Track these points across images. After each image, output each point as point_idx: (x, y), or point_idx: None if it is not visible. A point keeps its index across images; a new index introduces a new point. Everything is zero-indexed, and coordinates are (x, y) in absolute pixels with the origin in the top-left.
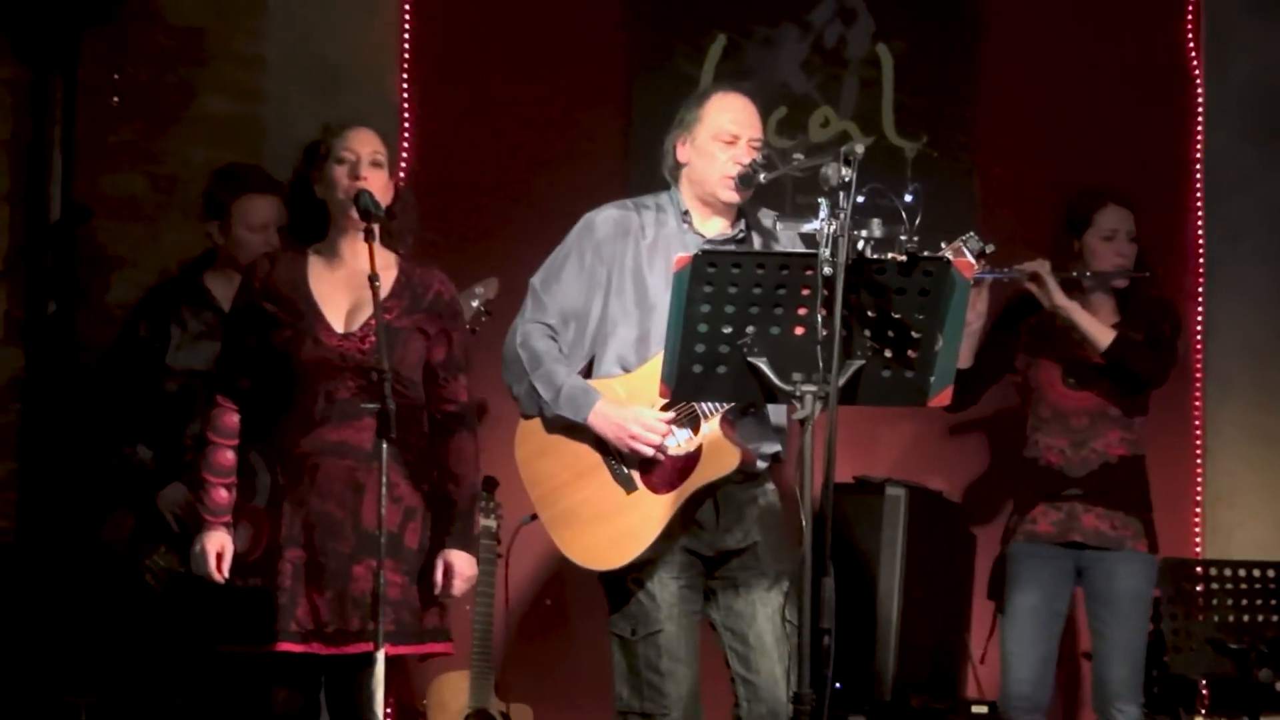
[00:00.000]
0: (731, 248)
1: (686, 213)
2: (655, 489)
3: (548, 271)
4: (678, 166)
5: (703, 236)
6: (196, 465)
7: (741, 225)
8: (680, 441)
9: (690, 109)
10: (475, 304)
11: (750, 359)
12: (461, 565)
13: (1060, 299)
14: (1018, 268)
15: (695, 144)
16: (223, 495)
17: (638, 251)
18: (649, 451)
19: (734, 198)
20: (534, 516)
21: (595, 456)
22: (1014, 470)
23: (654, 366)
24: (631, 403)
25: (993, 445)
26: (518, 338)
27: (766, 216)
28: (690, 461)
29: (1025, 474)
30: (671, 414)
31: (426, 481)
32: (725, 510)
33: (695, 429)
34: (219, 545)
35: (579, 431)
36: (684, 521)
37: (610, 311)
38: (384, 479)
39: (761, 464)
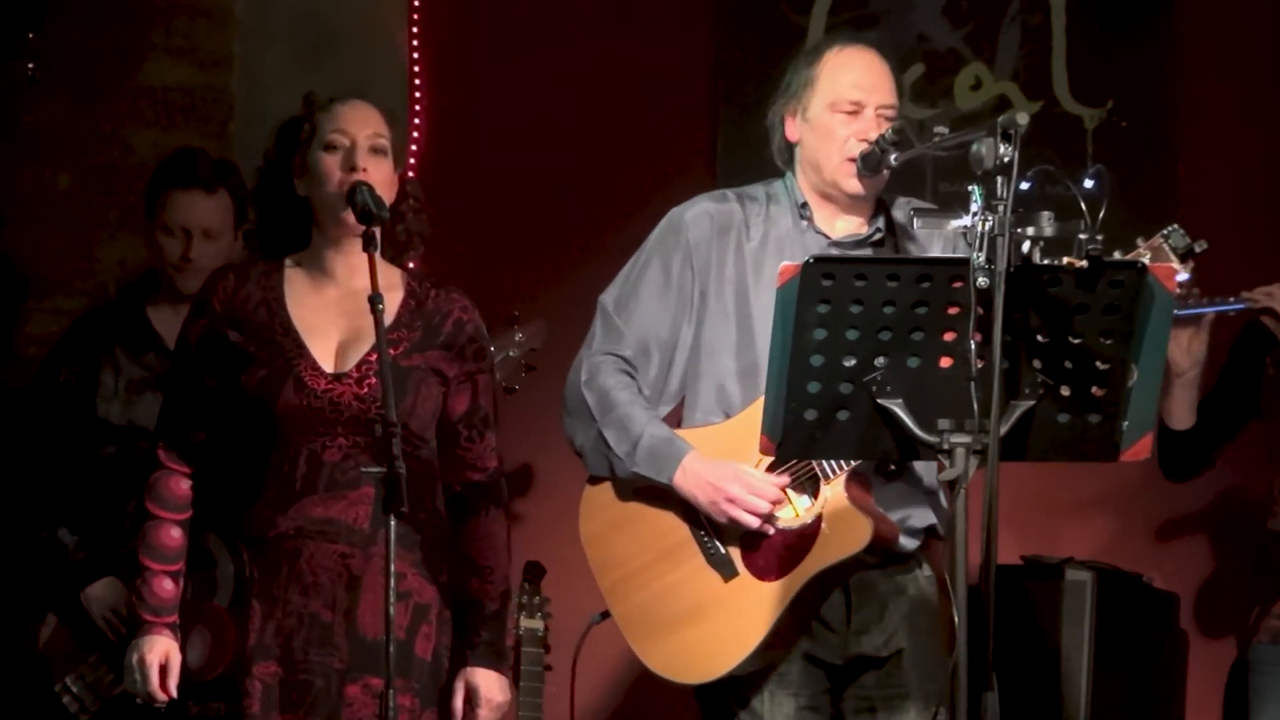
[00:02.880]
0: (861, 253)
1: (804, 205)
2: (761, 575)
3: (623, 287)
4: (789, 147)
5: (827, 237)
6: (133, 549)
7: (880, 223)
8: (796, 510)
9: (799, 71)
10: (513, 353)
11: (881, 401)
12: (490, 688)
13: None
14: (1246, 296)
15: (808, 117)
16: (168, 588)
17: (740, 258)
18: (753, 522)
19: (858, 188)
20: (605, 615)
21: (684, 531)
22: (1251, 547)
23: (760, 410)
24: (732, 459)
25: (1216, 514)
26: (583, 374)
27: (901, 209)
28: (807, 537)
29: (1272, 552)
30: (784, 473)
31: (443, 571)
32: (860, 604)
33: (814, 494)
34: (162, 654)
35: (662, 498)
36: (803, 619)
37: (705, 338)
38: (390, 568)
39: (910, 542)
